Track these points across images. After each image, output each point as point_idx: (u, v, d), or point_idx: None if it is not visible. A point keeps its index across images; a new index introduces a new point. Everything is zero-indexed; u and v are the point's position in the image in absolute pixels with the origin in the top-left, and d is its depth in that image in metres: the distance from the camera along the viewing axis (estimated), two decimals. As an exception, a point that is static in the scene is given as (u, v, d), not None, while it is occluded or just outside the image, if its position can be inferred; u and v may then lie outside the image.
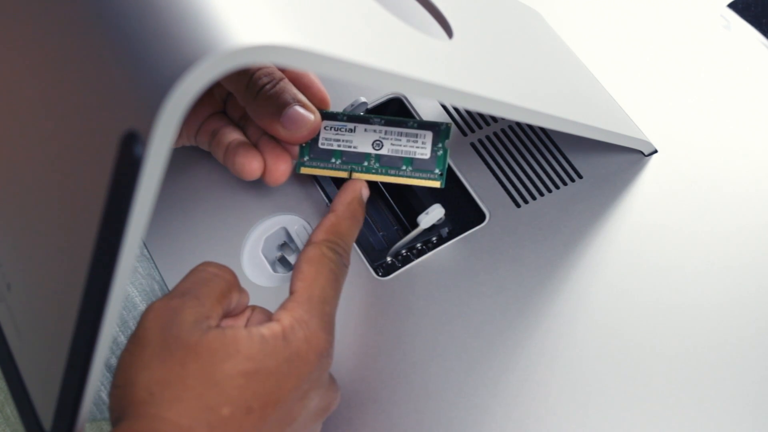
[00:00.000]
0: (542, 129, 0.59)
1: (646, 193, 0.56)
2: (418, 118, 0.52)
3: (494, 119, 0.60)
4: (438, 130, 0.47)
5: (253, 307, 0.46)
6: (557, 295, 0.53)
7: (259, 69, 0.50)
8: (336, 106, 0.59)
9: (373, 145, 0.48)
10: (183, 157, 0.59)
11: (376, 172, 0.49)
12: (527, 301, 0.53)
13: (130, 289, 0.56)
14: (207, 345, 0.41)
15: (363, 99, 0.57)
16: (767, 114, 0.59)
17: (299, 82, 0.52)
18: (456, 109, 0.60)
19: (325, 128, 0.50)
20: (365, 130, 0.49)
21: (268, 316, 0.45)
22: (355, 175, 0.49)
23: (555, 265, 0.54)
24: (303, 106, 0.50)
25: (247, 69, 0.50)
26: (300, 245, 0.57)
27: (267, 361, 0.41)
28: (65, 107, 0.37)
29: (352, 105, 0.57)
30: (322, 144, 0.49)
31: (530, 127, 0.59)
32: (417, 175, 0.49)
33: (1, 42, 0.41)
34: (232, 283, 0.44)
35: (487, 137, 0.59)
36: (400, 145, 0.48)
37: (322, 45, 0.35)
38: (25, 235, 0.42)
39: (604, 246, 0.54)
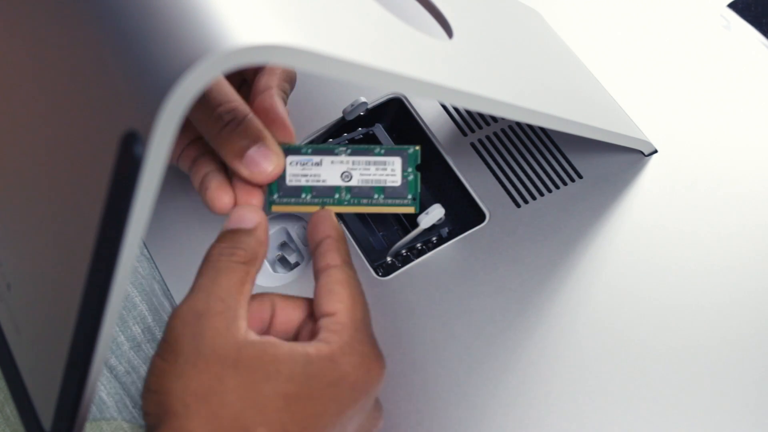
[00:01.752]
0: (542, 129, 0.59)
1: (646, 193, 0.56)
2: (385, 144, 0.50)
3: (494, 119, 0.60)
4: (406, 155, 0.47)
5: (305, 315, 0.45)
6: (557, 295, 0.53)
7: (221, 104, 0.48)
8: (336, 106, 0.59)
9: (341, 176, 0.47)
10: (183, 157, 0.59)
11: (349, 204, 0.47)
12: (527, 301, 0.53)
13: (130, 289, 0.56)
14: (246, 362, 0.40)
15: (363, 99, 0.57)
16: (767, 114, 0.59)
17: (266, 116, 0.50)
18: (456, 109, 0.60)
19: (290, 164, 0.48)
20: (332, 162, 0.47)
21: (315, 332, 0.44)
22: (328, 208, 0.48)
23: (555, 265, 0.54)
24: (266, 145, 0.48)
25: (210, 102, 0.48)
26: (300, 245, 0.57)
27: (311, 384, 0.40)
28: (65, 107, 0.37)
29: (352, 105, 0.57)
30: (290, 181, 0.47)
31: (530, 127, 0.59)
32: (390, 202, 0.47)
33: (1, 42, 0.41)
34: (248, 263, 0.43)
35: (487, 137, 0.59)
36: (369, 175, 0.47)
37: (322, 45, 0.35)
38: (25, 235, 0.42)
39: (604, 246, 0.54)
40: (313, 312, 0.45)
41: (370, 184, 0.47)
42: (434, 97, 0.41)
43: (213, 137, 0.48)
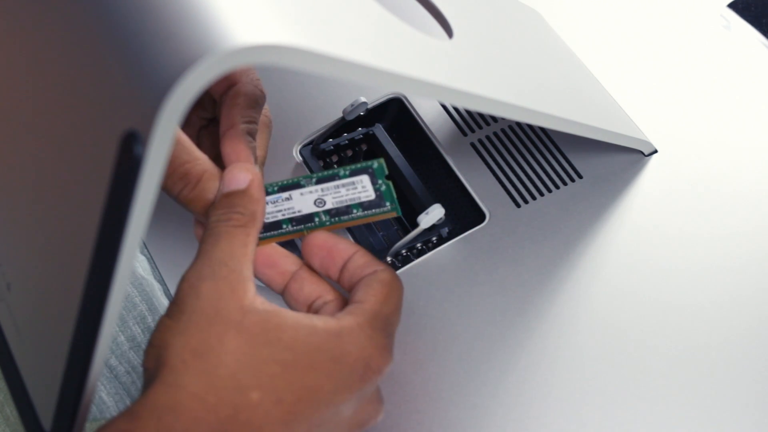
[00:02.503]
0: (542, 129, 0.59)
1: (646, 193, 0.56)
2: (349, 165, 0.49)
3: (494, 119, 0.60)
4: (372, 170, 0.46)
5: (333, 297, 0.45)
6: (557, 295, 0.53)
7: (176, 167, 0.46)
8: (336, 106, 0.59)
9: (315, 203, 0.47)
10: (183, 157, 0.59)
11: (331, 224, 0.47)
12: (527, 301, 0.53)
13: (130, 289, 0.56)
14: (249, 327, 0.40)
15: (363, 99, 0.57)
16: (767, 114, 0.59)
17: (231, 159, 0.47)
18: (456, 109, 0.61)
19: None
20: (301, 194, 0.47)
21: (340, 307, 0.44)
22: (312, 231, 0.47)
23: (555, 265, 0.54)
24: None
25: (168, 163, 0.45)
26: (299, 245, 0.57)
27: (310, 355, 0.40)
28: (66, 107, 0.37)
29: (352, 105, 0.57)
30: (267, 218, 0.47)
31: (530, 127, 0.59)
32: (370, 213, 0.47)
33: (2, 42, 0.41)
34: (247, 225, 0.43)
35: (487, 137, 0.59)
36: (341, 196, 0.47)
37: (323, 45, 0.35)
38: (25, 235, 0.42)
39: (604, 246, 0.54)
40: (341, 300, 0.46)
41: (345, 204, 0.47)
42: (434, 97, 0.41)
43: (175, 197, 0.47)
